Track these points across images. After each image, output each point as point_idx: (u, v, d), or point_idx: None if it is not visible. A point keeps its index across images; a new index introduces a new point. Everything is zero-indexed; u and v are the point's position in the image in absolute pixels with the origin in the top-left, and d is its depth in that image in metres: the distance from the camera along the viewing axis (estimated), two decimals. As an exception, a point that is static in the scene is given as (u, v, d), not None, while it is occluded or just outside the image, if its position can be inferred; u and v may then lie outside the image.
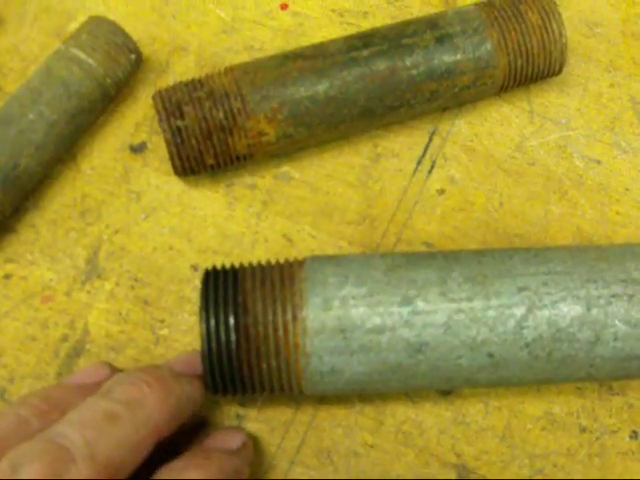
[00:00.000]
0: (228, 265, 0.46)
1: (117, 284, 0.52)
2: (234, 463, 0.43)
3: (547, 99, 0.59)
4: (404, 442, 0.49)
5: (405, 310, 0.43)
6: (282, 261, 0.46)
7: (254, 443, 0.47)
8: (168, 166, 0.55)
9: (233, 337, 0.42)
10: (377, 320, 0.42)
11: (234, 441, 0.45)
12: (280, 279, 0.44)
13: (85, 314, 0.51)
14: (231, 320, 0.43)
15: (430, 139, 0.57)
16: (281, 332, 0.43)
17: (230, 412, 0.49)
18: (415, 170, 0.56)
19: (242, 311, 0.43)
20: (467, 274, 0.44)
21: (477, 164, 0.56)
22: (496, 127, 0.58)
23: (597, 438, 0.49)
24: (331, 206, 0.55)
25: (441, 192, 0.56)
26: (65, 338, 0.51)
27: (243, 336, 0.43)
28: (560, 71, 0.56)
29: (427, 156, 0.57)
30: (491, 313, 0.43)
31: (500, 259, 0.45)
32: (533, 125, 0.58)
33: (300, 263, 0.45)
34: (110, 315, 0.52)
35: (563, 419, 0.50)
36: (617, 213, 0.55)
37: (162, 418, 0.40)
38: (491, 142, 0.57)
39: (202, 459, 0.42)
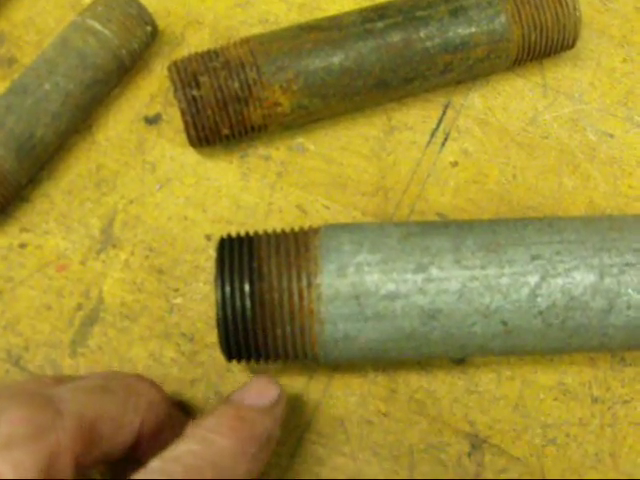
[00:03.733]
0: (243, 233, 0.47)
1: (132, 253, 0.53)
2: (266, 425, 0.42)
3: (560, 73, 0.59)
4: (417, 411, 0.49)
5: (419, 277, 0.43)
6: (297, 229, 0.46)
7: (285, 397, 0.45)
8: (183, 137, 0.55)
9: (248, 303, 0.43)
10: (391, 287, 0.43)
11: (268, 395, 0.43)
12: (295, 246, 0.44)
13: (100, 283, 0.52)
14: (246, 287, 0.43)
15: (444, 112, 0.57)
16: (296, 298, 0.43)
17: (245, 380, 0.49)
18: (429, 142, 0.56)
19: (257, 278, 0.43)
20: (481, 242, 0.44)
21: (490, 137, 0.57)
22: (509, 101, 0.58)
23: (609, 408, 0.50)
24: (345, 177, 0.55)
25: (454, 164, 0.56)
26: (80, 307, 0.51)
27: (258, 302, 0.43)
28: (574, 45, 0.56)
29: (441, 129, 0.57)
30: (505, 281, 0.43)
31: (514, 228, 0.45)
32: (546, 99, 0.58)
33: (315, 231, 0.45)
34: (125, 284, 0.52)
35: (575, 389, 0.50)
36: (630, 186, 0.56)
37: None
38: (504, 115, 0.57)
39: (234, 420, 0.40)
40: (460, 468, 0.48)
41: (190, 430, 0.40)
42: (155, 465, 0.37)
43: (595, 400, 0.50)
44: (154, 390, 0.43)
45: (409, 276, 0.43)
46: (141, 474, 0.36)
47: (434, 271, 0.43)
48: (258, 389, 0.44)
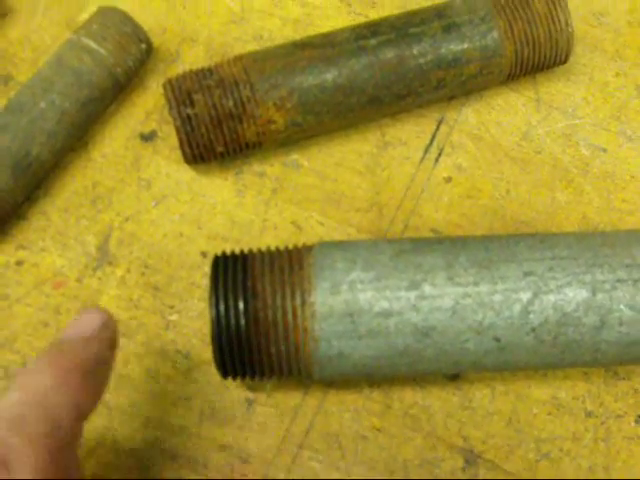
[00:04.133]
0: (237, 251, 0.47)
1: (128, 270, 0.53)
2: (91, 352, 0.40)
3: (553, 88, 0.60)
4: (411, 426, 0.49)
5: (412, 294, 0.43)
6: (291, 247, 0.47)
7: (114, 321, 0.43)
8: (178, 154, 0.55)
9: (243, 321, 0.43)
10: (385, 304, 0.43)
11: (90, 324, 0.41)
12: (289, 264, 0.45)
13: (96, 300, 0.52)
14: (241, 304, 0.43)
15: (437, 127, 0.58)
16: (290, 316, 0.43)
17: (240, 396, 0.50)
18: (422, 158, 0.57)
19: (251, 296, 0.43)
20: (474, 259, 0.44)
21: (484, 152, 0.57)
22: (503, 115, 0.58)
23: (602, 423, 0.50)
24: (339, 193, 0.55)
25: (448, 180, 0.56)
26: (76, 324, 0.51)
27: (252, 320, 0.43)
28: (566, 60, 0.57)
29: (434, 144, 0.57)
30: (497, 297, 0.43)
31: (506, 244, 0.45)
32: (539, 114, 0.59)
33: (308, 248, 0.46)
34: (121, 301, 0.52)
35: (569, 404, 0.50)
36: (623, 201, 0.56)
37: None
38: (498, 130, 0.58)
39: (52, 354, 0.39)
40: (454, 482, 0.48)
41: (13, 381, 0.38)
42: None
43: (589, 414, 0.50)
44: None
45: (402, 293, 0.43)
46: None
47: (427, 288, 0.43)
48: (77, 321, 0.42)
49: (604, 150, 0.57)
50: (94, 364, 0.40)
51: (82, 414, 0.38)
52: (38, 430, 0.36)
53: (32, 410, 0.36)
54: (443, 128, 0.58)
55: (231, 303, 0.43)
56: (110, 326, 0.42)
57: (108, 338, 0.42)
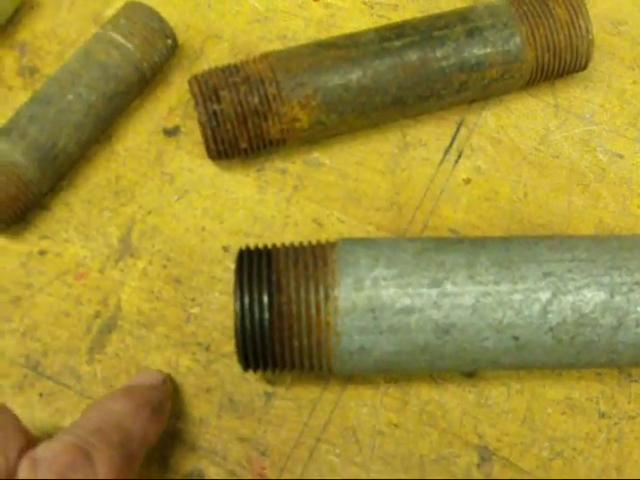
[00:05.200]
0: (262, 246, 0.47)
1: (150, 263, 0.53)
2: (157, 395, 0.46)
3: (572, 94, 0.60)
4: (428, 422, 0.50)
5: (434, 292, 0.44)
6: (314, 243, 0.47)
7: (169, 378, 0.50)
8: (201, 149, 0.56)
9: (266, 315, 0.44)
10: (407, 301, 0.44)
11: (155, 378, 0.48)
12: (313, 260, 0.45)
13: (118, 291, 0.53)
14: (265, 298, 0.44)
15: (457, 130, 0.58)
16: (313, 311, 0.44)
17: (259, 390, 0.50)
18: (442, 159, 0.57)
19: (276, 290, 0.44)
20: (494, 259, 0.45)
21: (503, 155, 0.58)
22: (522, 120, 0.59)
23: (616, 423, 0.51)
24: (360, 192, 0.56)
25: (467, 181, 0.57)
26: (98, 314, 0.52)
27: (276, 314, 0.44)
28: (586, 67, 0.57)
29: (454, 146, 0.58)
30: (517, 297, 0.44)
31: (526, 245, 0.46)
32: (558, 119, 0.59)
33: (332, 245, 0.46)
34: (142, 293, 0.53)
35: (583, 404, 0.51)
36: (639, 206, 0.57)
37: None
38: (517, 134, 0.58)
39: (125, 391, 0.46)
40: (469, 479, 0.49)
41: (86, 408, 0.44)
42: (61, 434, 0.40)
43: (602, 415, 0.51)
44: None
45: (424, 290, 0.44)
46: (53, 442, 0.39)
47: (448, 286, 0.44)
48: (144, 374, 0.49)
49: (621, 156, 0.58)
50: (158, 405, 0.46)
51: (147, 443, 0.44)
52: (115, 439, 0.41)
53: (110, 425, 0.42)
54: (463, 131, 0.58)
55: (255, 296, 0.44)
56: (169, 382, 0.49)
57: (168, 390, 0.49)
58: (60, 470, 0.38)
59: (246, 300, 0.44)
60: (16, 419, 0.42)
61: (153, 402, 0.45)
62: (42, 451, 0.39)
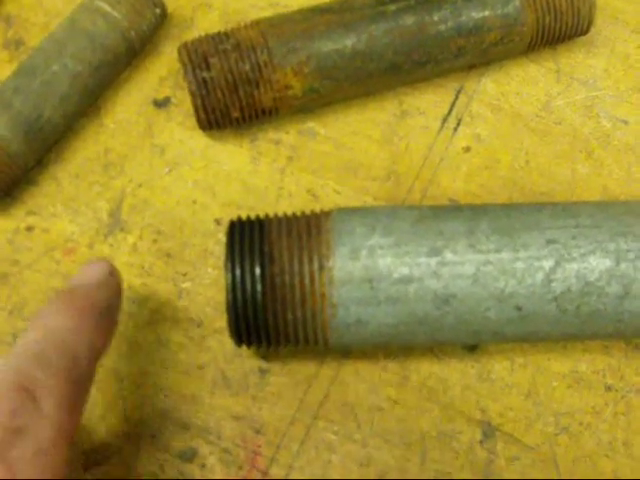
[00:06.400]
0: (253, 216, 0.46)
1: (140, 237, 0.52)
2: (103, 295, 0.42)
3: (574, 59, 0.59)
4: (428, 398, 0.48)
5: (433, 261, 0.42)
6: (308, 212, 0.46)
7: (118, 270, 0.45)
8: (192, 121, 0.54)
9: (259, 287, 0.42)
10: (405, 270, 0.42)
11: (99, 273, 0.44)
12: (307, 229, 0.44)
13: (108, 267, 0.51)
14: (257, 270, 0.42)
15: (456, 97, 0.57)
16: (307, 282, 0.42)
17: (253, 366, 0.49)
18: (441, 127, 0.56)
19: (268, 261, 0.42)
20: (495, 226, 0.43)
21: (503, 123, 0.56)
22: (523, 86, 0.57)
23: (623, 397, 0.49)
24: (356, 162, 0.54)
25: (467, 150, 0.55)
26: (87, 291, 0.51)
27: (269, 286, 0.42)
28: (588, 30, 0.56)
29: (453, 114, 0.56)
30: (519, 265, 0.42)
31: (528, 212, 0.45)
32: (560, 85, 0.58)
33: (327, 214, 0.45)
34: (132, 268, 0.51)
35: (589, 377, 0.49)
36: (644, 173, 0.55)
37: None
38: (517, 101, 0.57)
39: (66, 299, 0.41)
40: (472, 456, 0.47)
41: (30, 323, 0.40)
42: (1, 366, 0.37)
43: (609, 388, 0.49)
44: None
45: (423, 260, 0.42)
46: None
47: (448, 255, 0.42)
48: (86, 270, 0.44)
49: (625, 122, 0.57)
50: (106, 308, 0.42)
51: (97, 354, 0.40)
52: (59, 365, 0.37)
53: (52, 347, 0.38)
54: (462, 98, 0.57)
55: (247, 268, 0.42)
56: (115, 274, 0.44)
57: (115, 284, 0.44)
58: (3, 421, 0.35)
59: (237, 272, 0.42)
60: None
61: (100, 305, 0.41)
62: None
